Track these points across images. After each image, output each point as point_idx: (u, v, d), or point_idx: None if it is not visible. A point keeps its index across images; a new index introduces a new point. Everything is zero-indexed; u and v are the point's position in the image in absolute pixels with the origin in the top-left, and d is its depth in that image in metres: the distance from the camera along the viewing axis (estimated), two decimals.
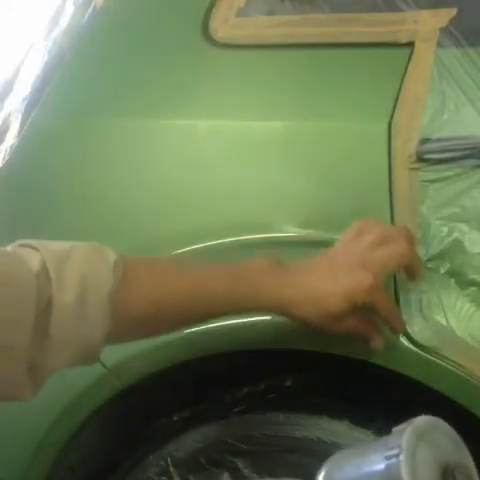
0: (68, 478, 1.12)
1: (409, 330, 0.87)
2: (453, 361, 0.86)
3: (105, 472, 1.11)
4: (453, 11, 0.91)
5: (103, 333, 0.71)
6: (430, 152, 0.89)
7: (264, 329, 0.93)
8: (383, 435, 0.96)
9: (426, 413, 0.90)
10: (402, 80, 0.92)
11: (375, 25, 0.95)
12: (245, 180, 0.98)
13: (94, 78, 1.08)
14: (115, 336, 0.74)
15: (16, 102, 1.14)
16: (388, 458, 0.64)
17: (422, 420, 0.68)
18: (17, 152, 1.08)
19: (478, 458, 0.90)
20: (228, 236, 0.97)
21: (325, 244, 0.93)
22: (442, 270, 0.88)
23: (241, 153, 0.98)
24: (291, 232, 0.96)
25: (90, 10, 1.10)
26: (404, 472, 0.62)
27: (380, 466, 0.65)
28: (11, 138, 1.10)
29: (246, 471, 1.01)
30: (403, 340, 0.87)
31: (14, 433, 1.07)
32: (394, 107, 0.91)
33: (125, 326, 0.75)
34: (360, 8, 0.96)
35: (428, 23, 0.92)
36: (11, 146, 1.09)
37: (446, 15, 0.91)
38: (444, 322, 0.86)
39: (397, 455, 0.64)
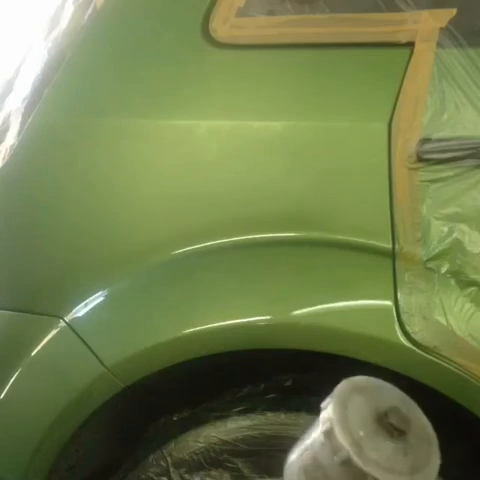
0: (68, 478, 1.12)
1: (409, 330, 0.87)
2: (453, 361, 0.86)
3: (105, 472, 1.11)
4: (453, 11, 0.91)
5: None
6: (430, 152, 0.89)
7: (264, 329, 0.93)
8: None
9: (425, 413, 0.91)
10: (402, 80, 0.92)
11: (375, 25, 0.95)
12: (245, 180, 0.98)
13: (94, 78, 1.08)
14: None
15: (16, 102, 1.14)
16: (323, 423, 0.70)
17: (343, 385, 0.73)
18: (17, 152, 1.08)
19: (478, 458, 0.90)
20: (228, 236, 0.97)
21: (325, 244, 0.94)
22: (442, 270, 0.88)
23: (241, 153, 0.98)
24: (291, 232, 0.96)
25: (90, 10, 1.10)
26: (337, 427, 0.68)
27: (318, 434, 0.70)
28: (11, 138, 1.10)
29: (246, 471, 1.01)
30: (403, 340, 0.87)
31: (14, 433, 1.07)
32: (394, 107, 0.91)
33: None
34: (360, 8, 0.96)
35: (428, 23, 0.92)
36: (11, 146, 1.09)
37: (446, 15, 0.92)
38: (444, 322, 0.86)
39: (330, 428, 0.69)
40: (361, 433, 0.69)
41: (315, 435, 0.72)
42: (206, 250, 0.98)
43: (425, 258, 0.88)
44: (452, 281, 0.88)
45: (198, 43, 1.02)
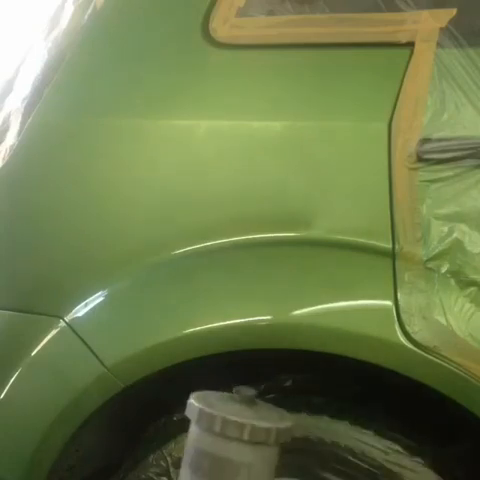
0: (68, 478, 1.12)
1: (409, 330, 0.87)
2: (453, 361, 0.86)
3: (105, 472, 1.11)
4: (453, 11, 0.91)
5: None
6: (430, 152, 0.89)
7: (264, 329, 0.93)
8: (383, 435, 0.97)
9: (426, 412, 0.91)
10: (402, 80, 0.92)
11: (375, 25, 0.95)
12: (245, 180, 0.98)
13: (94, 78, 1.08)
14: None
15: (16, 102, 1.14)
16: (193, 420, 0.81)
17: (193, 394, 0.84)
18: (17, 152, 1.08)
19: (478, 457, 0.90)
20: (228, 236, 0.97)
21: (325, 244, 0.93)
22: (442, 270, 0.88)
23: (241, 153, 0.98)
24: (291, 232, 0.96)
25: (90, 10, 1.10)
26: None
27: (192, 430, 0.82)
28: (11, 138, 1.10)
29: None
30: (403, 340, 0.87)
31: (14, 433, 1.07)
32: (394, 107, 0.91)
33: None
34: (360, 8, 0.96)
35: (428, 23, 0.92)
36: (11, 146, 1.09)
37: (446, 15, 0.92)
38: (444, 322, 0.86)
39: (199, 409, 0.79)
40: (214, 401, 0.82)
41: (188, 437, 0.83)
42: (206, 250, 0.98)
43: (425, 258, 0.88)
44: (452, 281, 0.87)
45: (198, 43, 1.02)
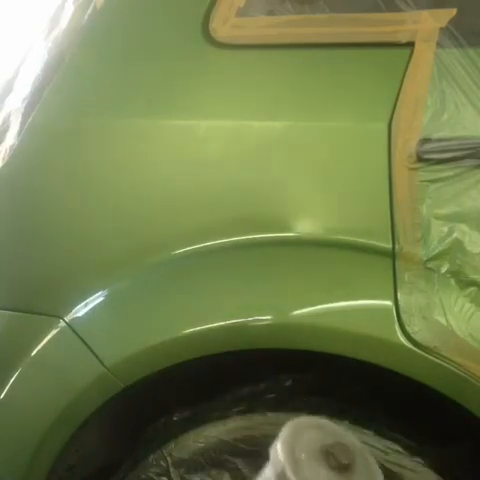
0: (68, 478, 1.12)
1: (409, 330, 0.87)
2: (453, 361, 0.86)
3: (105, 472, 1.11)
4: (453, 11, 0.91)
5: None
6: (430, 152, 0.89)
7: (264, 329, 0.93)
8: (383, 435, 0.97)
9: (426, 412, 0.91)
10: (402, 80, 0.92)
11: (375, 25, 0.95)
12: (245, 180, 0.98)
13: (94, 78, 1.08)
14: None
15: (16, 102, 1.14)
16: (275, 471, 0.70)
17: (287, 429, 0.73)
18: (17, 152, 1.08)
19: (478, 457, 0.90)
20: (228, 236, 0.97)
21: (325, 244, 0.93)
22: (442, 270, 0.88)
23: (241, 153, 0.98)
24: (291, 232, 0.96)
25: (90, 10, 1.10)
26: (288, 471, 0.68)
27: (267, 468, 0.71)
28: (11, 138, 1.10)
29: (246, 471, 1.01)
30: (403, 340, 0.87)
31: (14, 433, 1.07)
32: (394, 107, 0.91)
33: None
34: (360, 8, 0.96)
35: (428, 23, 0.92)
36: (11, 146, 1.09)
37: (446, 15, 0.92)
38: (444, 322, 0.86)
39: (283, 465, 0.69)
40: (303, 456, 0.71)
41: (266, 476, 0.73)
42: (206, 250, 0.98)
43: (425, 258, 0.88)
44: (452, 281, 0.88)
45: (198, 43, 1.02)
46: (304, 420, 0.75)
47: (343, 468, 0.71)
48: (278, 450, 0.71)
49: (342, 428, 0.77)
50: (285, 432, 0.73)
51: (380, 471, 0.74)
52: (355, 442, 0.76)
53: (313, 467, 0.70)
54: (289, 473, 0.68)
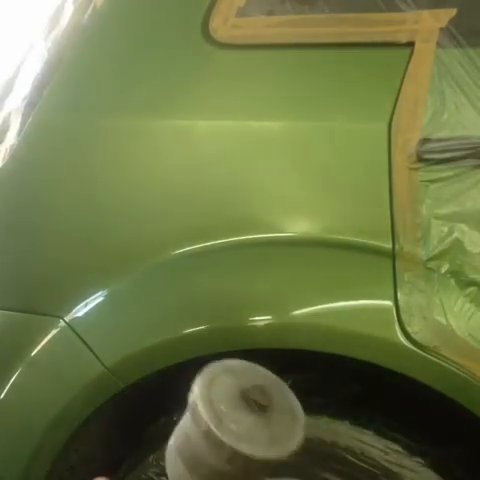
0: (68, 478, 1.12)
1: (409, 330, 0.87)
2: (453, 361, 0.86)
3: (105, 472, 1.11)
4: (453, 11, 0.91)
5: None
6: (430, 152, 0.89)
7: (264, 329, 0.93)
8: (383, 435, 0.96)
9: (426, 412, 0.91)
10: (402, 80, 0.92)
11: (375, 25, 0.95)
12: (245, 180, 0.98)
13: (94, 78, 1.08)
14: None
15: (16, 102, 1.14)
16: (190, 402, 0.73)
17: (201, 380, 0.75)
18: (17, 152, 1.08)
19: (478, 457, 0.90)
20: (228, 236, 0.97)
21: (325, 244, 0.93)
22: (442, 270, 0.88)
23: (241, 153, 0.98)
24: (291, 232, 0.96)
25: (90, 10, 1.10)
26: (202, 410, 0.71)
27: (186, 414, 0.74)
28: (11, 138, 1.10)
29: None
30: (403, 340, 0.87)
31: (14, 433, 1.07)
32: (394, 107, 0.91)
33: None
34: (360, 8, 0.96)
35: (428, 23, 0.92)
36: (11, 146, 1.09)
37: (446, 15, 0.91)
38: (444, 322, 0.86)
39: (194, 403, 0.72)
40: (222, 407, 0.73)
41: (184, 416, 0.76)
42: (206, 250, 0.98)
43: (425, 258, 0.88)
44: (452, 281, 0.88)
45: (198, 43, 1.02)
46: (216, 366, 0.77)
47: (262, 407, 0.74)
48: (198, 407, 0.72)
49: (253, 365, 0.79)
50: (200, 383, 0.74)
51: (298, 403, 0.79)
52: (266, 374, 0.79)
53: (235, 416, 0.73)
54: (214, 430, 0.71)
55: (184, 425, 0.76)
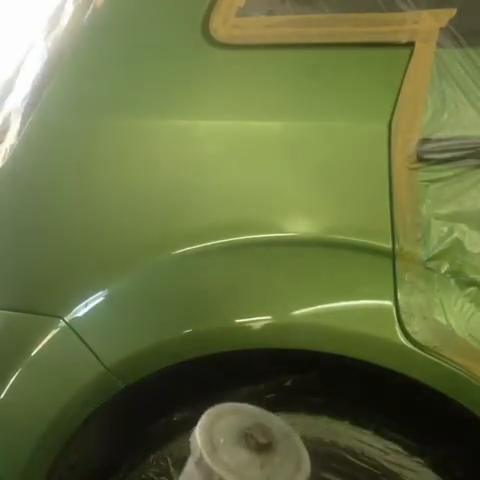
0: (68, 478, 1.12)
1: (409, 330, 0.87)
2: (453, 361, 0.86)
3: (105, 472, 1.11)
4: (453, 11, 0.91)
5: None
6: (430, 152, 0.89)
7: (264, 329, 0.93)
8: (383, 435, 0.96)
9: (426, 412, 0.91)
10: (402, 80, 0.92)
11: (375, 25, 0.95)
12: (245, 180, 0.98)
13: (94, 78, 1.08)
14: None
15: (16, 102, 1.14)
16: (193, 458, 0.71)
17: (205, 417, 0.75)
18: (17, 152, 1.08)
19: (478, 457, 0.90)
20: (228, 236, 0.97)
21: (325, 244, 0.93)
22: (442, 270, 0.88)
23: (241, 153, 0.98)
24: (291, 232, 0.96)
25: (90, 10, 1.10)
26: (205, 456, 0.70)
27: (192, 466, 0.72)
28: (11, 138, 1.10)
29: None
30: (403, 340, 0.87)
31: (14, 433, 1.07)
32: (394, 107, 0.91)
33: None
34: (360, 8, 0.96)
35: (428, 23, 0.92)
36: (11, 146, 1.09)
37: (446, 15, 0.92)
38: (444, 322, 0.86)
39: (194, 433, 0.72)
40: (221, 440, 0.72)
41: (187, 466, 0.74)
42: (206, 250, 0.98)
43: (425, 258, 0.88)
44: (452, 281, 0.88)
45: (198, 43, 1.02)
46: (222, 407, 0.77)
47: (262, 447, 0.72)
48: (196, 437, 0.72)
49: (263, 410, 0.78)
50: (203, 420, 0.74)
51: (305, 451, 0.75)
52: (279, 423, 0.77)
53: (231, 450, 0.72)
54: (206, 458, 0.70)
55: (187, 465, 0.75)
